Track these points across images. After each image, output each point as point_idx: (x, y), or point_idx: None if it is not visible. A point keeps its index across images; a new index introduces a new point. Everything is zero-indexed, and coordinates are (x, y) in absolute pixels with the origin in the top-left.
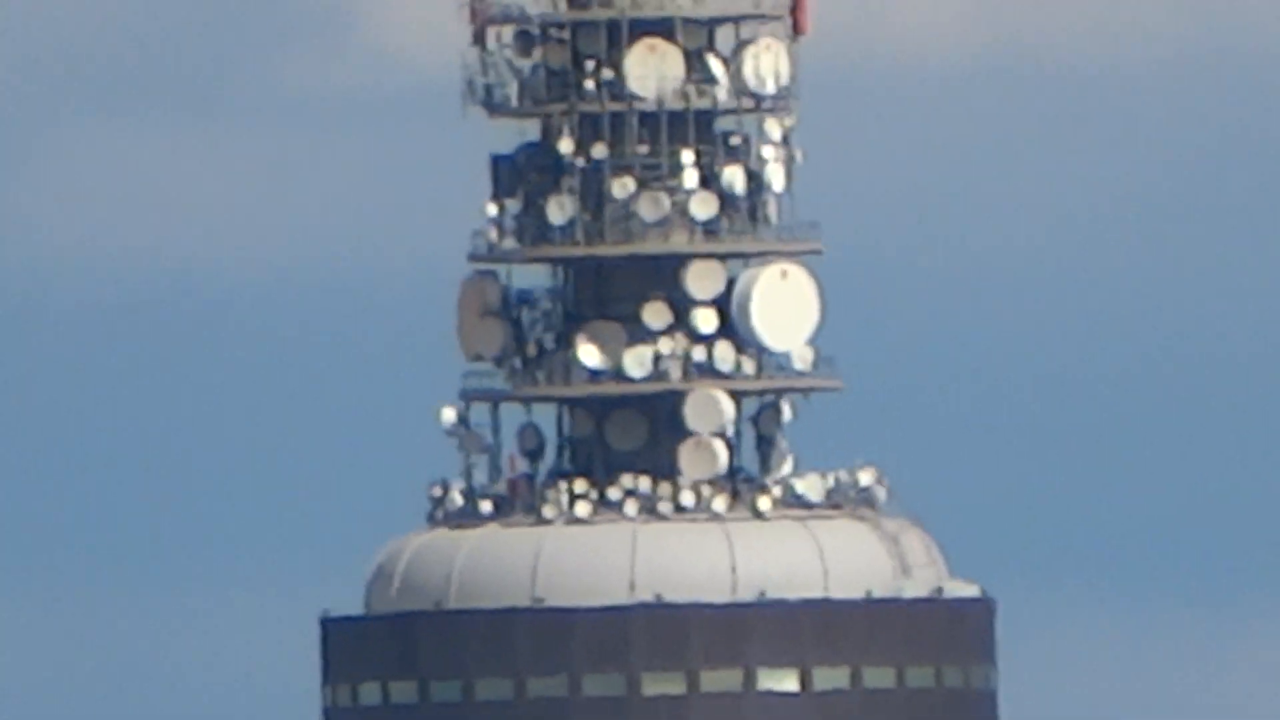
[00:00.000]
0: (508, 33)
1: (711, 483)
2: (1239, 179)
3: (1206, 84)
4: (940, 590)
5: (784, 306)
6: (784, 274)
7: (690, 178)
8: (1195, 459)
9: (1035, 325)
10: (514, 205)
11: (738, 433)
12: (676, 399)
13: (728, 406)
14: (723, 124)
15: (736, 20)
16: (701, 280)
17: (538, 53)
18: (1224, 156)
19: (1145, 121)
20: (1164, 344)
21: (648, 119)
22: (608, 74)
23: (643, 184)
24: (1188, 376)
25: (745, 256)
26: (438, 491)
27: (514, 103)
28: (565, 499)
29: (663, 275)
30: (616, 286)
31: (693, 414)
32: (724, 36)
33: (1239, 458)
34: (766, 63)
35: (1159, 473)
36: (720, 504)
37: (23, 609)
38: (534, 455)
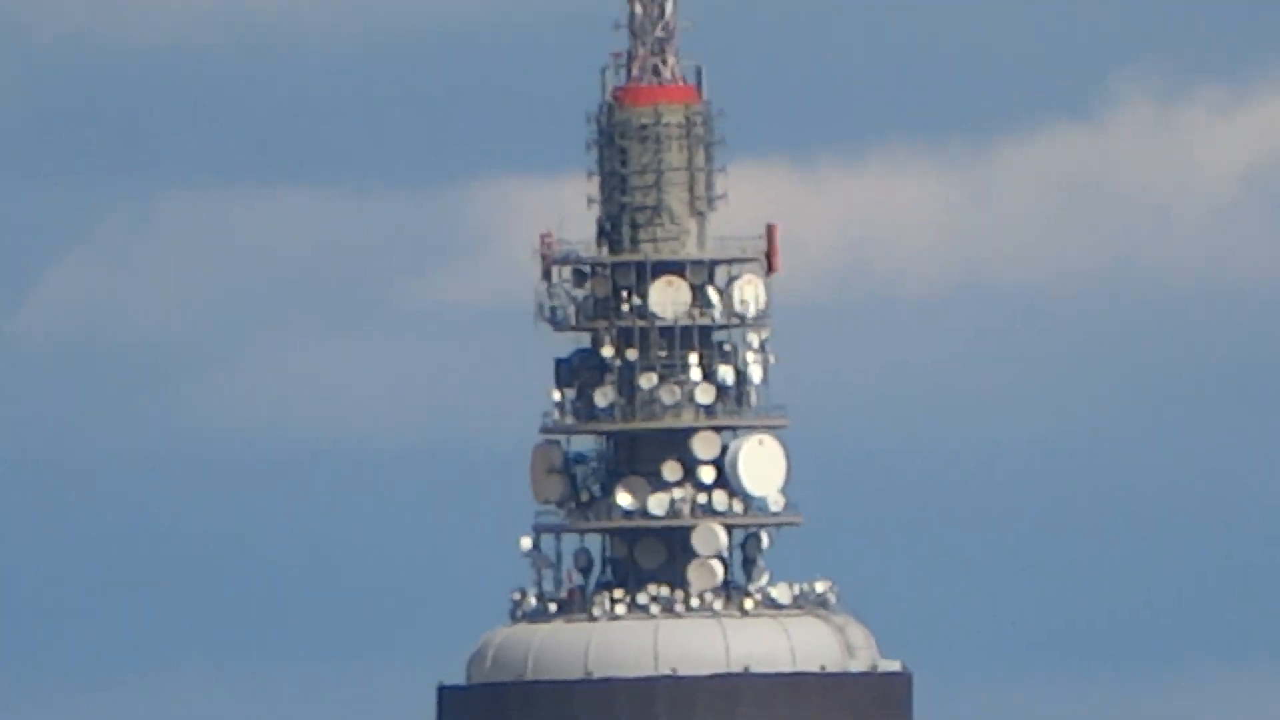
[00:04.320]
0: (567, 271)
1: (712, 591)
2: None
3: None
4: (875, 666)
5: (762, 465)
6: (761, 442)
7: (695, 374)
8: (1063, 555)
9: (941, 482)
10: (571, 393)
11: (730, 554)
12: (686, 531)
13: (723, 536)
14: (718, 336)
15: (728, 262)
16: (704, 446)
17: (588, 285)
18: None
19: (1058, 341)
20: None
21: (665, 332)
22: (637, 301)
23: (662, 378)
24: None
25: (734, 429)
26: (518, 596)
27: (571, 321)
28: (608, 603)
29: (676, 443)
30: (643, 451)
31: (698, 542)
32: (719, 274)
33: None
34: (749, 292)
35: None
36: (718, 605)
37: (154, 682)
38: (586, 571)
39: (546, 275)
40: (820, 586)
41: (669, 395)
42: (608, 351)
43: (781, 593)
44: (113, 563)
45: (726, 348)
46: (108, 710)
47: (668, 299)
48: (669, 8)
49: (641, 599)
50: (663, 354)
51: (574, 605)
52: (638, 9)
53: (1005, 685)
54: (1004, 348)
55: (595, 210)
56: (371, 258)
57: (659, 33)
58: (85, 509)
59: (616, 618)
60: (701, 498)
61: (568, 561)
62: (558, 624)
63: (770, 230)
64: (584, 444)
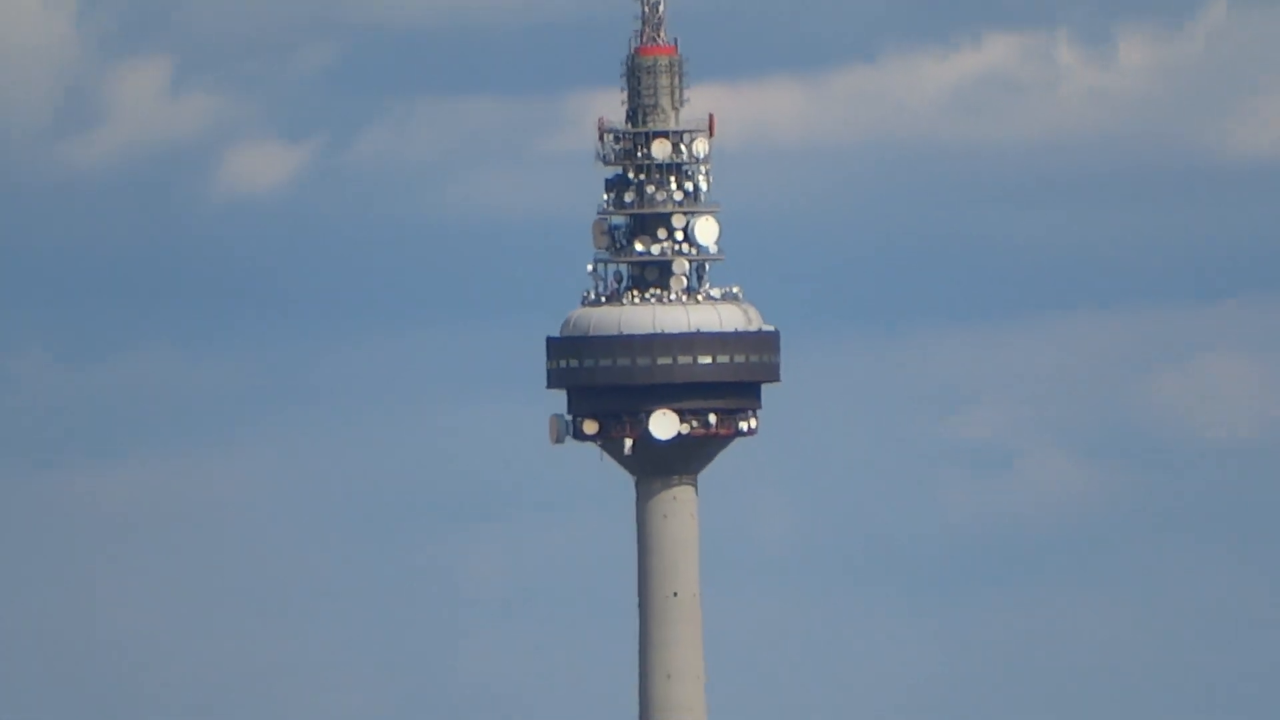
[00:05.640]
0: (611, 136)
1: (682, 291)
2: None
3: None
4: (760, 329)
5: (706, 229)
6: (706, 218)
7: (674, 186)
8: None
9: (798, 235)
10: (612, 195)
11: (690, 273)
12: (669, 262)
13: (686, 265)
14: (685, 167)
15: (690, 131)
16: (678, 221)
17: (621, 143)
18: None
19: (859, 173)
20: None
21: (659, 166)
22: (645, 149)
23: (656, 188)
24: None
25: (693, 212)
26: (585, 294)
27: (613, 159)
28: (631, 297)
29: (664, 220)
30: (648, 223)
31: (675, 267)
32: (686, 137)
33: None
34: (700, 146)
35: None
36: (685, 298)
37: (383, 329)
38: (619, 281)
39: (601, 138)
40: (735, 289)
41: (660, 196)
42: (630, 175)
43: (716, 292)
44: (379, 272)
45: (689, 172)
46: (333, 345)
47: (660, 149)
48: (661, 9)
49: (648, 295)
50: (657, 176)
51: (614, 299)
52: (645, 9)
53: (832, 343)
54: (830, 176)
55: (625, 107)
56: (519, 131)
57: (655, 21)
58: (376, 255)
59: (634, 304)
60: (677, 246)
61: (610, 276)
62: (606, 307)
63: (710, 116)
64: (618, 220)
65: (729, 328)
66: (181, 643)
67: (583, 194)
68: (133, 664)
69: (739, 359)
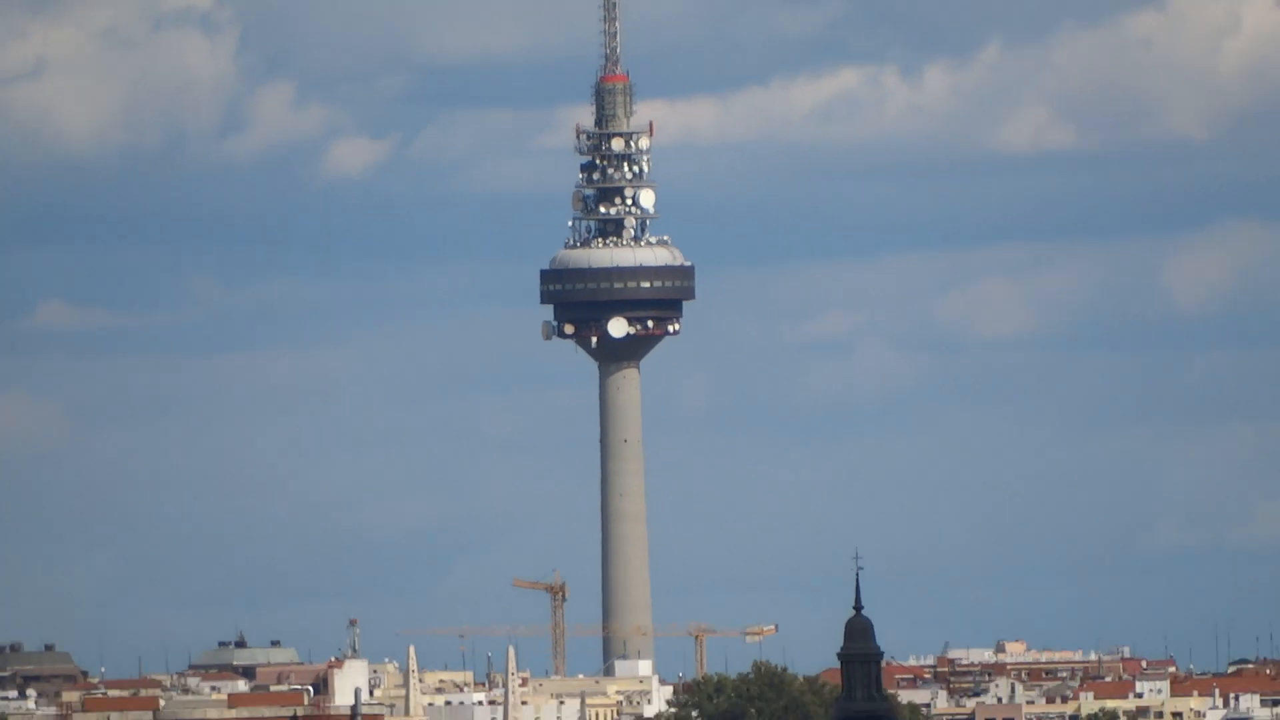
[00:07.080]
0: (584, 136)
1: (631, 239)
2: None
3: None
4: (682, 263)
5: (648, 197)
6: (648, 191)
7: (626, 168)
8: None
9: (718, 199)
10: (586, 175)
11: (637, 226)
12: (623, 219)
13: (636, 221)
14: (634, 156)
15: (637, 132)
16: (629, 192)
17: (591, 140)
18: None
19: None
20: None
21: (617, 155)
22: (607, 145)
23: (615, 169)
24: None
25: (638, 187)
26: (567, 240)
27: (585, 151)
28: (598, 241)
29: (620, 190)
30: (608, 194)
31: (627, 223)
32: (634, 135)
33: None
34: (644, 142)
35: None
36: (632, 244)
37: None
38: (589, 232)
39: (578, 137)
40: (666, 238)
41: (617, 175)
42: (597, 161)
43: (653, 239)
44: (431, 226)
45: (636, 160)
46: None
47: (617, 144)
48: (618, 50)
49: (608, 241)
50: (615, 162)
51: (586, 244)
52: (608, 52)
53: (731, 273)
54: (733, 162)
55: (594, 116)
56: (523, 132)
57: (614, 58)
58: (430, 215)
59: (599, 247)
60: (627, 209)
61: (584, 229)
62: (580, 249)
63: (651, 123)
64: (589, 191)
65: (661, 263)
66: (306, 466)
67: (565, 174)
68: (279, 480)
69: (668, 284)
